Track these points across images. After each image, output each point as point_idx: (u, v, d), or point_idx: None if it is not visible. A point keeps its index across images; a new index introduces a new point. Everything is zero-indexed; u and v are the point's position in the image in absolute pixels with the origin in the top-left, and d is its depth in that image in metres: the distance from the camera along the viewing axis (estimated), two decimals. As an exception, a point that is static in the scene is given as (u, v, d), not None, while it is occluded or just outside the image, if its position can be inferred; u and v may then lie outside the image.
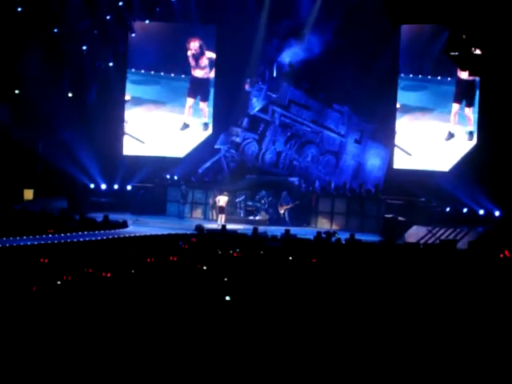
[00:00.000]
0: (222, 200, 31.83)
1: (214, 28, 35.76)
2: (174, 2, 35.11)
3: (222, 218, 31.43)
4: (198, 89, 35.93)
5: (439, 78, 33.74)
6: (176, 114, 36.13)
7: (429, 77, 33.91)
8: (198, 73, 35.84)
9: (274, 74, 34.48)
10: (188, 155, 35.82)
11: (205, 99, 36.15)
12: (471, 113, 33.51)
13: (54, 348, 8.87)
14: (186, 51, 35.59)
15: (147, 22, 35.72)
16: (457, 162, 33.38)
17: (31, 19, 32.45)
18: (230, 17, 34.26)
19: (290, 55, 33.74)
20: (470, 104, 33.47)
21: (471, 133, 33.47)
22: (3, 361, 8.38)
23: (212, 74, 35.91)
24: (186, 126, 36.19)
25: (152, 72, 35.96)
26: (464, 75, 32.29)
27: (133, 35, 35.72)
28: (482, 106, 32.87)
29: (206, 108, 36.28)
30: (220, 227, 27.76)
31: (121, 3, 34.48)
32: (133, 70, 36.14)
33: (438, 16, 17.98)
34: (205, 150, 35.65)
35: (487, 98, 31.80)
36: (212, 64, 35.89)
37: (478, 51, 19.00)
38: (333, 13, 33.01)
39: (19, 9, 32.65)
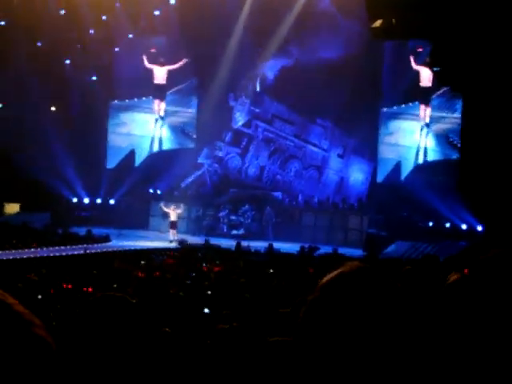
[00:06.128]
0: (173, 214, 30.11)
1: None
2: (157, 16, 35.10)
3: (174, 234, 29.58)
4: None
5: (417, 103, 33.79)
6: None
7: (410, 104, 33.91)
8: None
9: (258, 89, 34.52)
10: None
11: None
12: (429, 110, 33.35)
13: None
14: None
15: (130, 36, 35.65)
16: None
17: (14, 32, 32.36)
18: (213, 31, 34.25)
19: (273, 70, 33.83)
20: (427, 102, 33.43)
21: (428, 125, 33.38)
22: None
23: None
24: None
25: (135, 99, 36.36)
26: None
27: (116, 49, 35.68)
28: (465, 120, 32.92)
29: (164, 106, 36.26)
30: (174, 243, 27.30)
31: (104, 17, 34.45)
32: (116, 101, 36.34)
33: (421, 31, 18.11)
34: (188, 164, 35.60)
35: (470, 112, 31.89)
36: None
37: (459, 66, 19.13)
38: (315, 27, 33.10)
39: (2, 22, 32.59)
